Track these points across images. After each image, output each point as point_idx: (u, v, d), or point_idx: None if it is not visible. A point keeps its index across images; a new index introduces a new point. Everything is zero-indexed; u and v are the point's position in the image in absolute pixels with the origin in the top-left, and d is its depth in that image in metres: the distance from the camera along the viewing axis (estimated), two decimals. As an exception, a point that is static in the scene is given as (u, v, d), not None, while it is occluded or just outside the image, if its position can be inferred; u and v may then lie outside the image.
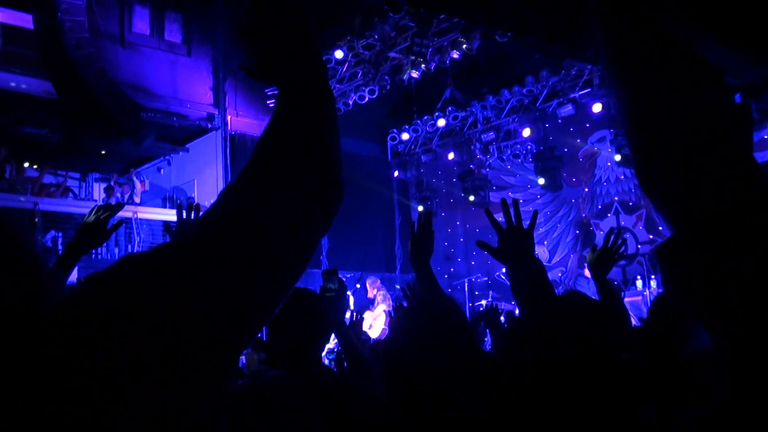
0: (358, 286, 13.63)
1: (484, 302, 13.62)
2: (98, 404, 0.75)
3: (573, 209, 15.70)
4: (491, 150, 15.97)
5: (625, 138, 10.77)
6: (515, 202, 2.55)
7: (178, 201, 15.60)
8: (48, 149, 13.94)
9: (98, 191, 14.91)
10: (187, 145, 15.76)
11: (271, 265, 0.95)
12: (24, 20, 12.62)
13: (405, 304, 3.73)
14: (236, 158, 15.63)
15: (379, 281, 13.42)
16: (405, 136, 17.06)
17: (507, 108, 15.51)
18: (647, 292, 11.78)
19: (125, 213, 14.42)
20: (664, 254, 0.85)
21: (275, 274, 0.96)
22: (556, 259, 15.71)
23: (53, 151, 14.07)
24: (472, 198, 16.07)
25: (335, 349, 7.72)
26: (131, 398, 0.77)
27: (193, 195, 15.55)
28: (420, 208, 17.00)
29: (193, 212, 3.23)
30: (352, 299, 13.09)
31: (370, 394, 2.73)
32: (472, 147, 16.37)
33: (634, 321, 8.10)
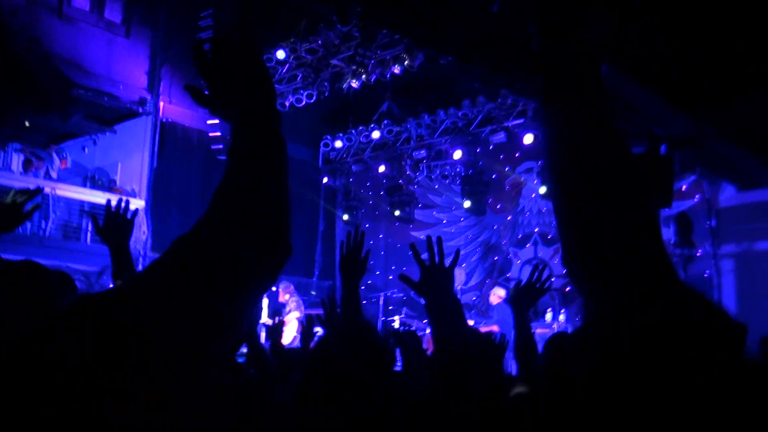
0: (273, 289, 13.52)
1: (397, 318, 13.71)
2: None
3: (494, 235, 15.96)
4: (421, 168, 16.11)
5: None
6: (439, 240, 2.61)
7: (100, 181, 15.22)
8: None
9: (17, 162, 14.40)
10: (116, 127, 15.39)
11: (214, 318, 0.95)
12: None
13: (319, 319, 3.73)
14: (164, 145, 15.35)
15: (292, 287, 13.36)
16: (338, 143, 17.07)
17: (441, 128, 15.67)
18: (555, 326, 12.06)
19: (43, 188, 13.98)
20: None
21: (216, 328, 0.96)
22: (472, 282, 15.93)
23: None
24: (397, 213, 16.18)
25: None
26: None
27: (115, 177, 15.19)
28: (345, 217, 17.02)
29: (122, 207, 3.18)
30: (266, 301, 13.00)
31: (275, 401, 2.73)
32: (403, 163, 16.49)
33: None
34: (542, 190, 14.20)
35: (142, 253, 14.49)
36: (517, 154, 15.44)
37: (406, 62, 13.71)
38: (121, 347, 0.84)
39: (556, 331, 11.71)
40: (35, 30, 12.37)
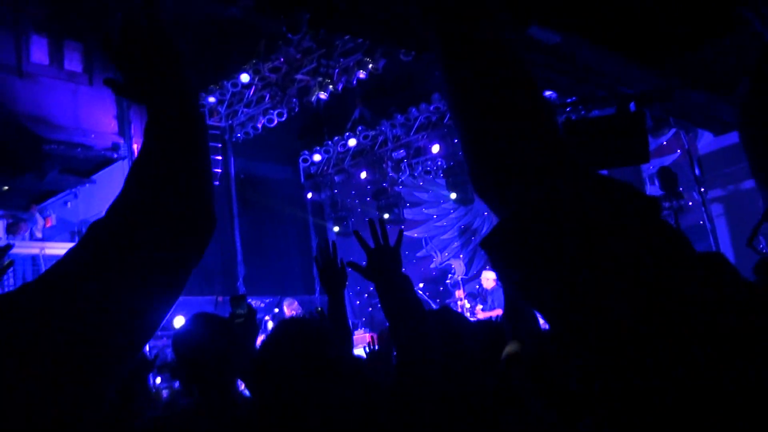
0: (276, 310, 13.51)
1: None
2: None
3: (486, 222, 15.97)
4: (403, 167, 16.12)
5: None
6: (381, 222, 2.64)
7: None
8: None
9: (1, 228, 14.36)
10: (94, 177, 15.35)
11: (141, 298, 0.94)
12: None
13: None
14: (145, 187, 15.29)
15: (296, 303, 13.33)
16: (317, 157, 17.06)
17: (416, 125, 15.69)
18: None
19: (32, 250, 13.95)
20: (487, 244, 0.88)
21: (145, 307, 0.95)
22: (472, 272, 15.93)
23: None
24: (386, 216, 16.16)
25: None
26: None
27: (101, 227, 15.13)
28: (336, 229, 17.01)
29: None
30: (270, 324, 12.97)
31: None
32: (384, 165, 16.49)
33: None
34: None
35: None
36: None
37: (370, 66, 13.74)
38: (17, 344, 0.83)
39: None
40: (-4, 93, 12.35)
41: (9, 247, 3.13)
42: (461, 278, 14.87)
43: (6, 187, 13.87)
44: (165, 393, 8.38)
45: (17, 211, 14.67)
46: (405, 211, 16.43)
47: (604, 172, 9.99)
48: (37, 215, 14.47)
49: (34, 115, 13.38)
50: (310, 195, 17.80)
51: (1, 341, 0.83)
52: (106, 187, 15.28)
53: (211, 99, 15.22)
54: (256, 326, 3.96)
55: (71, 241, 14.78)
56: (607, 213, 0.80)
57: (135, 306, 0.93)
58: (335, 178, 17.23)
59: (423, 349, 2.28)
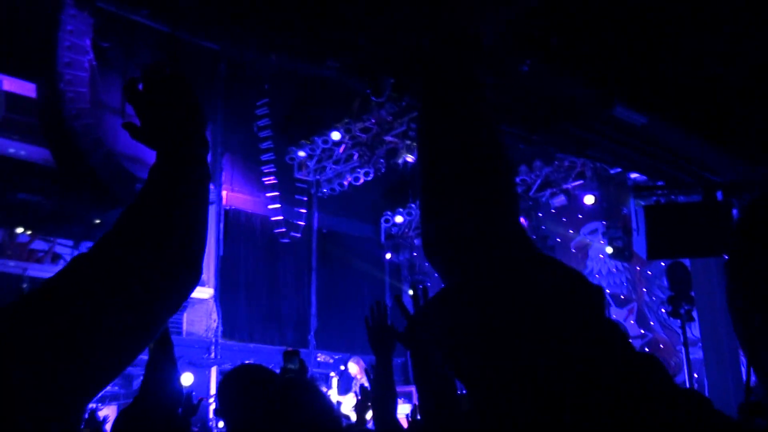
0: (343, 367, 13.47)
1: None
2: None
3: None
4: (484, 236, 16.00)
5: (616, 231, 10.72)
6: (425, 290, 2.57)
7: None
8: (42, 216, 14.01)
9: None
10: (182, 219, 15.82)
11: (109, 335, 0.93)
12: (27, 89, 12.86)
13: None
14: (229, 233, 15.67)
15: (362, 361, 13.24)
16: (399, 219, 17.13)
17: (501, 196, 15.59)
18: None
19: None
20: (420, 316, 0.87)
21: (110, 346, 0.94)
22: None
23: (47, 218, 14.13)
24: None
25: None
26: None
27: (183, 268, 15.52)
28: (411, 292, 16.94)
29: None
30: (335, 380, 12.92)
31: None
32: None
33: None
34: (609, 250, 13.92)
35: (213, 340, 14.66)
36: (579, 216, 15.22)
37: (459, 133, 13.83)
38: None
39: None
40: (99, 131, 12.95)
41: None
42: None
43: (98, 221, 14.42)
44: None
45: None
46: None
47: (687, 261, 9.51)
48: (125, 250, 14.92)
49: (130, 154, 13.94)
50: (389, 255, 17.83)
51: None
52: (192, 230, 15.70)
53: (301, 153, 15.56)
54: (306, 382, 3.92)
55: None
56: (546, 300, 0.77)
57: (99, 342, 0.92)
58: (416, 241, 17.24)
59: (447, 423, 2.21)
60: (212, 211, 15.54)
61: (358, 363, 13.16)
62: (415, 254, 17.47)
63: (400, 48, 4.90)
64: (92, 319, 0.92)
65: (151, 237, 1.01)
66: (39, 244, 14.75)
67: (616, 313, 14.68)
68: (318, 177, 16.38)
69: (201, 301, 15.13)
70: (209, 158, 1.16)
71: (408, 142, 14.28)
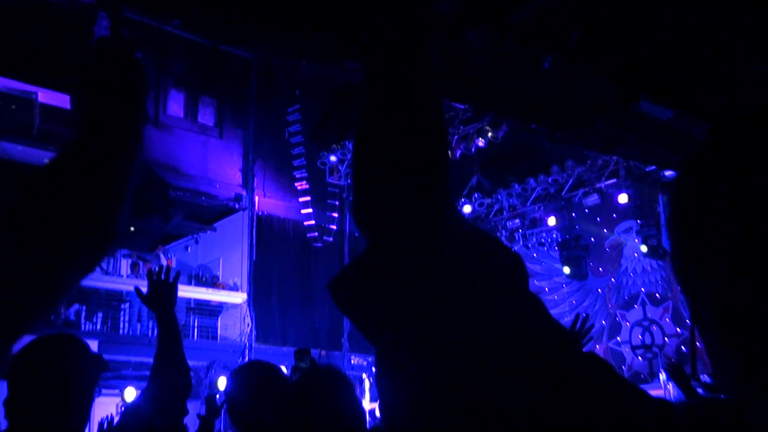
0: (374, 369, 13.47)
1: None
2: None
3: (599, 299, 15.49)
4: (516, 238, 15.94)
5: (650, 229, 10.59)
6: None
7: (203, 278, 15.73)
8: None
9: (125, 267, 15.13)
10: (215, 224, 16.01)
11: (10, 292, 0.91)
12: (61, 100, 13.12)
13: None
14: (262, 238, 15.80)
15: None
16: (430, 221, 17.08)
17: (533, 196, 15.54)
18: (670, 386, 11.47)
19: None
20: (333, 284, 0.86)
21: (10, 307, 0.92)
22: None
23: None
24: (497, 285, 15.95)
25: None
26: None
27: (218, 273, 15.69)
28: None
29: (164, 273, 3.23)
30: (367, 383, 12.94)
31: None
32: (498, 234, 16.36)
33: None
34: (644, 248, 13.77)
35: (246, 344, 14.79)
36: (613, 215, 15.07)
37: (489, 134, 13.80)
38: None
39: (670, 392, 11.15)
40: (133, 139, 13.14)
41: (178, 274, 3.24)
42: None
43: (132, 228, 14.63)
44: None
45: (143, 252, 15.44)
46: (516, 282, 16.18)
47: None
48: (162, 256, 15.16)
49: (165, 162, 14.15)
50: (421, 258, 17.78)
51: None
52: (225, 235, 15.88)
53: (333, 158, 15.63)
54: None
55: (188, 283, 15.37)
56: (466, 268, 0.78)
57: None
58: (448, 243, 17.21)
59: None
60: (245, 216, 15.70)
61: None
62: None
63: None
64: None
65: (76, 188, 0.99)
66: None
67: (651, 312, 14.52)
68: (349, 181, 16.44)
69: (234, 306, 15.29)
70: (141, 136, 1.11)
71: (438, 144, 14.25)
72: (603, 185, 14.55)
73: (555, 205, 15.41)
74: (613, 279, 15.24)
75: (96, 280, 13.97)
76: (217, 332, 15.06)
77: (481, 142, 13.99)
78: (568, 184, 15.02)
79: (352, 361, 15.80)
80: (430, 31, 0.93)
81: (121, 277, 14.54)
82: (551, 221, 15.34)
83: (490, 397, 0.70)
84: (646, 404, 0.68)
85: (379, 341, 0.81)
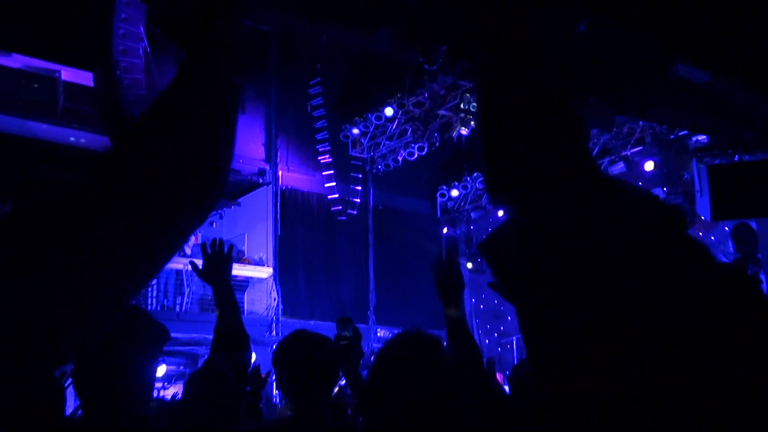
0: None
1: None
2: None
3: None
4: (541, 208, 15.86)
5: (677, 197, 10.50)
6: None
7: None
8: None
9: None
10: (239, 199, 16.02)
11: (122, 249, 0.84)
12: (85, 78, 13.11)
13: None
14: (286, 212, 15.81)
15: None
16: (454, 192, 17.05)
17: (557, 166, 15.42)
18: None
19: (177, 265, 14.64)
20: (484, 248, 0.85)
21: (124, 263, 0.85)
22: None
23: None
24: (521, 255, 15.91)
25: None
26: None
27: (243, 248, 15.73)
28: (469, 266, 16.88)
29: (217, 246, 3.24)
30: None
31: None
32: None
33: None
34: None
35: (273, 318, 14.85)
36: (639, 183, 14.92)
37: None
38: None
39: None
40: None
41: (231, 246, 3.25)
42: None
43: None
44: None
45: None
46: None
47: (752, 223, 9.22)
48: (187, 233, 15.19)
49: (189, 138, 14.14)
50: (445, 230, 17.78)
51: None
52: (250, 210, 15.90)
53: (355, 131, 15.57)
54: (361, 350, 3.92)
55: (214, 260, 15.42)
56: (621, 225, 0.76)
57: (115, 254, 0.83)
58: (472, 214, 17.16)
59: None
60: (269, 191, 15.70)
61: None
62: (472, 227, 17.40)
63: (453, 10, 4.84)
64: (109, 228, 0.83)
65: (180, 138, 0.90)
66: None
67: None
68: (372, 154, 16.39)
69: (260, 280, 15.33)
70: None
71: (462, 115, 14.17)
72: (629, 153, 14.41)
73: (580, 175, 15.30)
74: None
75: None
76: (244, 307, 15.13)
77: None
78: (594, 153, 14.88)
79: (379, 334, 15.85)
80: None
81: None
82: (576, 190, 15.23)
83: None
84: None
85: (535, 298, 0.80)
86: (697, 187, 8.42)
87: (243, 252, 15.72)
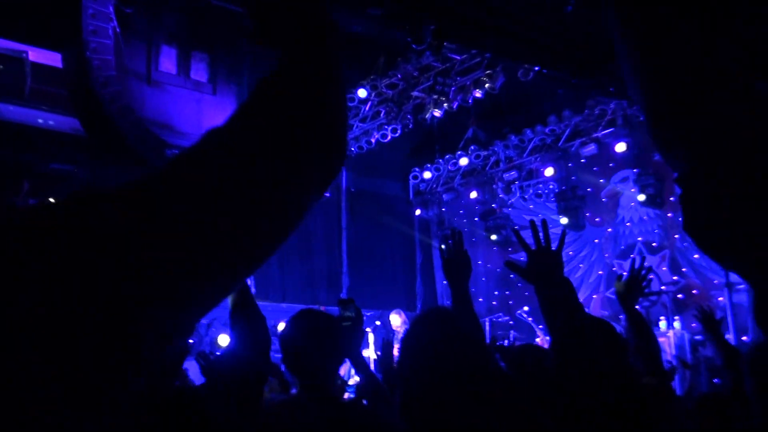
0: (378, 323, 13.55)
1: (505, 342, 13.47)
2: None
3: (596, 249, 15.58)
4: (513, 189, 15.96)
5: (648, 178, 10.60)
6: (544, 223, 2.56)
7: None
8: (74, 185, 14.10)
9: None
10: (212, 182, 15.89)
11: (251, 226, 0.81)
12: (53, 59, 12.86)
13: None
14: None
15: (403, 313, 13.29)
16: (427, 174, 17.09)
17: (529, 147, 15.52)
18: (671, 333, 11.62)
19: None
20: (682, 182, 0.88)
21: (254, 236, 0.82)
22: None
23: (79, 188, 14.25)
24: (494, 237, 16.03)
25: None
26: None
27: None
28: (442, 247, 16.94)
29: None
30: (372, 337, 13.00)
31: (387, 421, 2.70)
32: (494, 186, 16.36)
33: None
34: (641, 197, 13.83)
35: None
36: (610, 165, 15.09)
37: (486, 85, 13.69)
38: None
39: (670, 338, 11.30)
40: (126, 98, 12.94)
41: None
42: (574, 285, 14.52)
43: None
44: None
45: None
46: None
47: None
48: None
49: (159, 120, 13.96)
50: (418, 212, 17.83)
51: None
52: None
53: (328, 112, 15.48)
54: (363, 330, 3.96)
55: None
56: None
57: (240, 227, 0.80)
58: (444, 196, 17.22)
59: (581, 349, 2.22)
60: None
61: (399, 315, 13.18)
62: (444, 209, 17.46)
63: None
64: (229, 201, 0.79)
65: (298, 114, 0.88)
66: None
67: (648, 261, 14.56)
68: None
69: (235, 263, 15.24)
70: None
71: (435, 96, 14.16)
72: (600, 135, 14.54)
73: (552, 156, 15.40)
74: (609, 229, 15.32)
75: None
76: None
77: (478, 94, 13.89)
78: (565, 135, 15.01)
79: (353, 315, 15.86)
80: None
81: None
82: (548, 172, 15.34)
83: None
84: None
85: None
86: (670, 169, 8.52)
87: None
